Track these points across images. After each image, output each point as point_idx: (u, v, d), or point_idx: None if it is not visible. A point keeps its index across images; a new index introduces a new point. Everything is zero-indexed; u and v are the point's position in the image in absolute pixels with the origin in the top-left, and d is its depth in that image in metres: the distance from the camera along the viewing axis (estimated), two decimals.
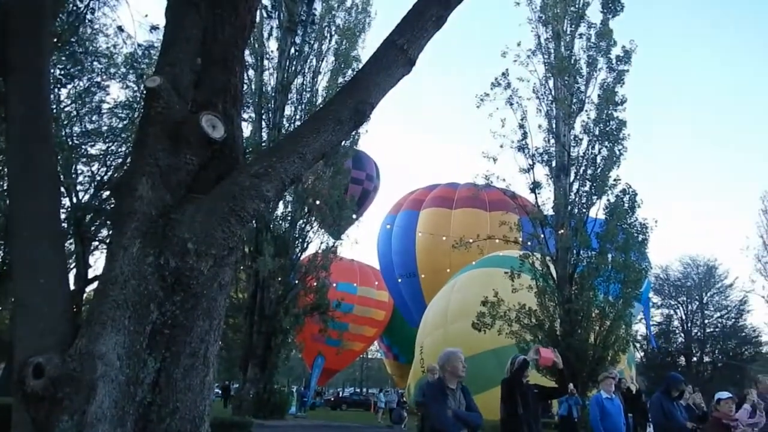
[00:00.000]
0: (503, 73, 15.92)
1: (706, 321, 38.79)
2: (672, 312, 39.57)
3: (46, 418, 2.78)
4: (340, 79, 19.29)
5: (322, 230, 20.36)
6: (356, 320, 34.68)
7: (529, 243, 15.83)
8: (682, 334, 38.85)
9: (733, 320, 38.32)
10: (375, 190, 39.27)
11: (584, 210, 15.39)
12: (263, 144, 19.89)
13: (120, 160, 16.11)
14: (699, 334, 38.46)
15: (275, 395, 21.04)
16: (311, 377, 37.39)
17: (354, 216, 21.99)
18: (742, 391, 10.07)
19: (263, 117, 21.56)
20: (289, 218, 21.42)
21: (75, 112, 15.28)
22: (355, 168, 36.58)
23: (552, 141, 15.86)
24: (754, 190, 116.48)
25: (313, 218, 21.29)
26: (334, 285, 26.97)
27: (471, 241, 17.94)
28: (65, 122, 14.68)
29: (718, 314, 38.81)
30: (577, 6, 16.20)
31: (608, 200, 15.30)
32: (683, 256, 40.64)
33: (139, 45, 10.23)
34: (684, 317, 39.04)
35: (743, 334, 38.12)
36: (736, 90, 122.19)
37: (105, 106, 15.82)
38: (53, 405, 2.78)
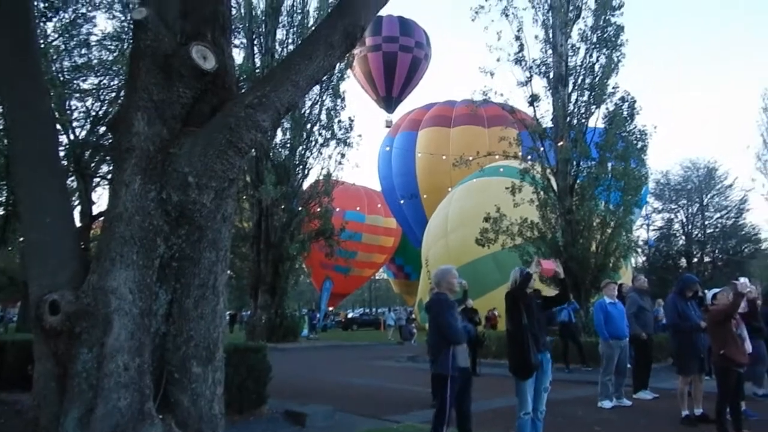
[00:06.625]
0: None
1: (707, 222, 39.09)
2: (673, 216, 39.88)
3: (66, 351, 2.89)
4: None
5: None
6: (365, 248, 34.97)
7: (529, 157, 15.77)
8: (683, 237, 39.28)
9: (734, 219, 38.62)
10: (426, 58, 37.48)
11: (583, 120, 15.26)
12: (257, 70, 19.53)
13: (113, 94, 15.78)
14: (699, 235, 38.86)
15: (287, 319, 21.55)
16: (321, 300, 38.09)
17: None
18: None
19: (254, 42, 21.09)
20: (288, 145, 21.32)
21: (63, 46, 14.87)
22: (403, 35, 35.38)
23: (549, 51, 15.55)
24: (755, 88, 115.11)
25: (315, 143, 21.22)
26: (342, 212, 26.91)
27: (471, 158, 17.84)
28: (54, 57, 14.32)
29: (718, 215, 39.06)
30: None
31: (607, 109, 15.16)
32: (683, 159, 40.47)
33: None
34: (684, 220, 39.36)
35: (743, 232, 38.50)
36: None
37: (93, 38, 15.38)
38: (71, 339, 2.89)
